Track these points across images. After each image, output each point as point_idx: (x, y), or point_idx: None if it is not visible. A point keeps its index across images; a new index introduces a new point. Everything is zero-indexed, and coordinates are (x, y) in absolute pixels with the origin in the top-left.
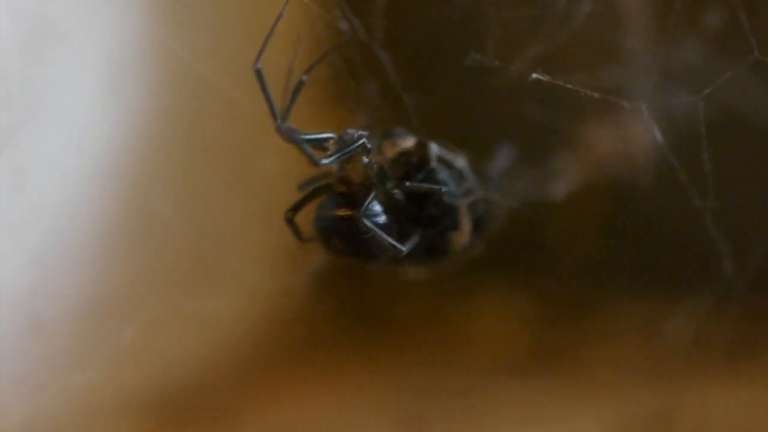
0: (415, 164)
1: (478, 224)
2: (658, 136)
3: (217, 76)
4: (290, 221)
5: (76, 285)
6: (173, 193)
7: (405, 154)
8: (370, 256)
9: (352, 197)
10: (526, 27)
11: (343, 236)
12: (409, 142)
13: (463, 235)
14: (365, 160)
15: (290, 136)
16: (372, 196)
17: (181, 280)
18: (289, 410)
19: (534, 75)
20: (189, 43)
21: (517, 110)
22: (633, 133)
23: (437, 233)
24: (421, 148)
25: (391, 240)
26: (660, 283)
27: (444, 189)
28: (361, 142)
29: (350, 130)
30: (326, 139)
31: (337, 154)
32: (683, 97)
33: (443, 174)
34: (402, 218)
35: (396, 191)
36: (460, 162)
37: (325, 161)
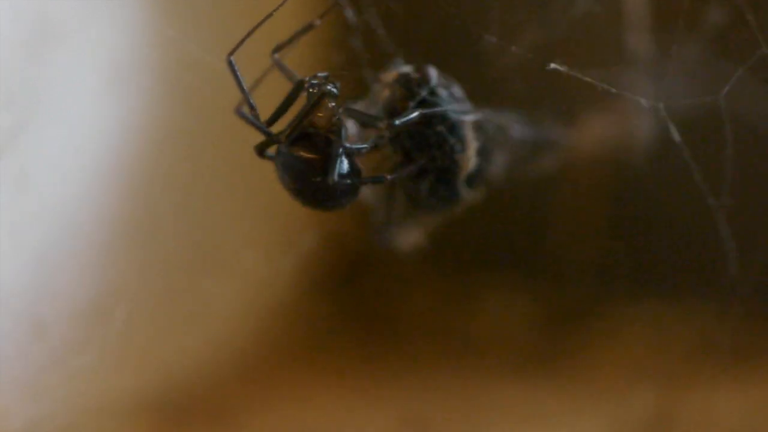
0: (416, 81)
1: (483, 151)
2: (676, 135)
3: (219, 76)
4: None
5: (77, 286)
6: (175, 194)
7: (404, 75)
8: (329, 204)
9: (318, 139)
10: (538, 26)
11: (300, 179)
12: (407, 68)
13: (469, 158)
14: (331, 104)
15: (245, 119)
16: (338, 152)
17: (183, 281)
18: (290, 411)
19: (552, 65)
20: (190, 43)
21: (525, 97)
22: (637, 130)
23: (445, 156)
24: (420, 71)
25: (367, 179)
26: (662, 285)
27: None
28: (325, 89)
29: (320, 74)
30: (296, 91)
31: (295, 123)
32: (698, 97)
33: (444, 94)
34: (408, 144)
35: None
36: (457, 90)
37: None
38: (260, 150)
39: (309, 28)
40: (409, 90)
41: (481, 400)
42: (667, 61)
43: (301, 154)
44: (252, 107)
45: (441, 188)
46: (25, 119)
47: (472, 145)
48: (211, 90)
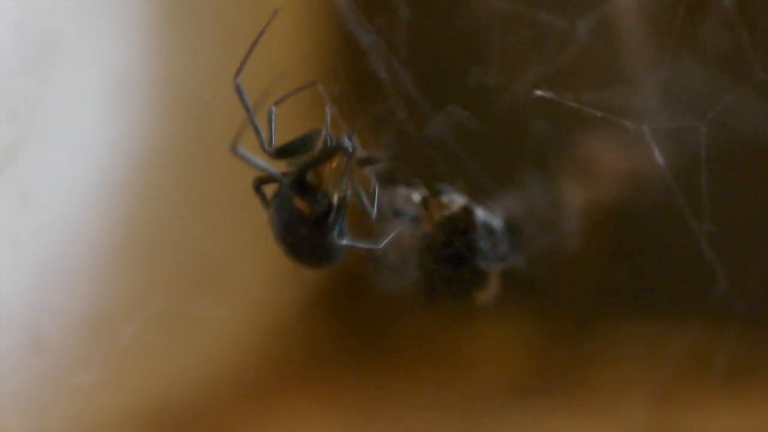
0: (460, 229)
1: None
2: (659, 157)
3: (220, 94)
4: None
5: (78, 301)
6: (176, 209)
7: (452, 218)
8: (312, 261)
9: (320, 194)
10: (529, 51)
11: (292, 229)
12: (456, 205)
13: (488, 295)
14: (344, 162)
15: (245, 159)
16: (335, 212)
17: (185, 297)
18: (288, 428)
19: (537, 93)
20: (191, 61)
21: (523, 131)
22: (636, 155)
23: (462, 289)
24: (467, 213)
25: (362, 244)
26: (660, 304)
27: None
28: (343, 144)
29: (347, 141)
30: (311, 139)
31: (303, 163)
32: (686, 121)
33: (483, 241)
34: (432, 267)
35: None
36: (497, 222)
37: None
38: (258, 184)
39: (266, 110)
40: (451, 239)
41: (481, 419)
42: (663, 84)
43: (301, 205)
44: (262, 140)
45: (451, 293)
46: (27, 133)
47: (494, 288)
48: (215, 108)
